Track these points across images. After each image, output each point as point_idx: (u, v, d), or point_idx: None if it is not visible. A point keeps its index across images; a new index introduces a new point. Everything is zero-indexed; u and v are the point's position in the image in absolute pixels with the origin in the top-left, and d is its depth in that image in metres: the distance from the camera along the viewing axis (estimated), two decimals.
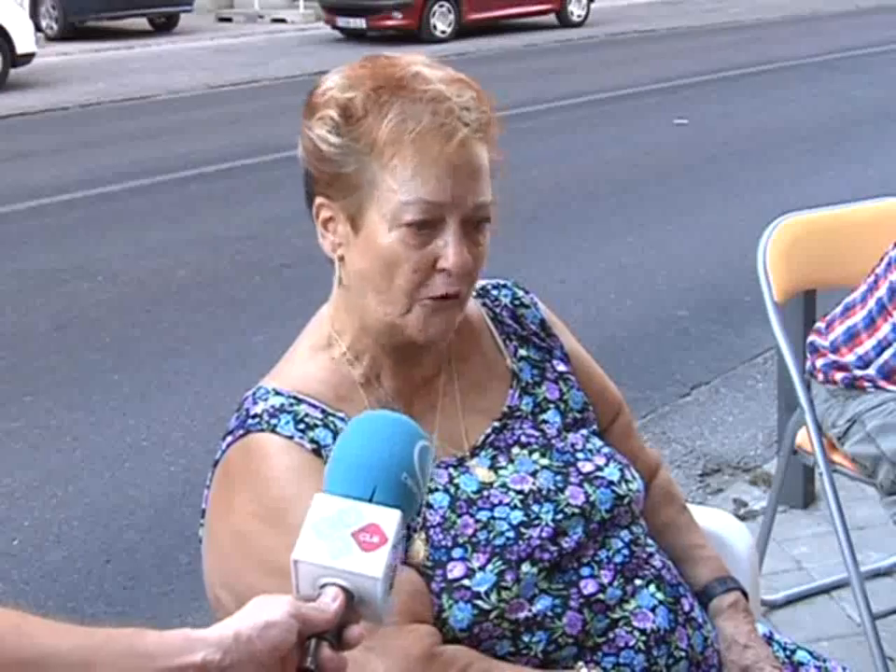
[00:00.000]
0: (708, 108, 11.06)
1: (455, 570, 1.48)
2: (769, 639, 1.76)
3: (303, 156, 1.57)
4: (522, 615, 1.48)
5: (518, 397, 1.66)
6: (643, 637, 1.53)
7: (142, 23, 19.50)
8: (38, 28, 16.31)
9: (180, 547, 3.66)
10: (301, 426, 1.52)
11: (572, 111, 11.19)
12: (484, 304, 1.72)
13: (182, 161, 9.38)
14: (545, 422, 1.65)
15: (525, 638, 1.48)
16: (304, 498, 1.19)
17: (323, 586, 1.12)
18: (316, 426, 1.52)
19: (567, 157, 9.24)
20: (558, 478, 1.58)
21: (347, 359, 1.59)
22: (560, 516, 1.54)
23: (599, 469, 1.61)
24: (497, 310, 1.73)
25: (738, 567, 1.85)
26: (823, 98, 11.38)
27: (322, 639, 1.10)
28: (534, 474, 1.58)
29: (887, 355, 2.67)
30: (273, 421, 1.52)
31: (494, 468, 1.59)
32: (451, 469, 1.57)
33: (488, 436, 1.62)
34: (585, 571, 1.54)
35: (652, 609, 1.56)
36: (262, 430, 1.52)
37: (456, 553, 1.49)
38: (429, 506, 1.52)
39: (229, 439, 1.55)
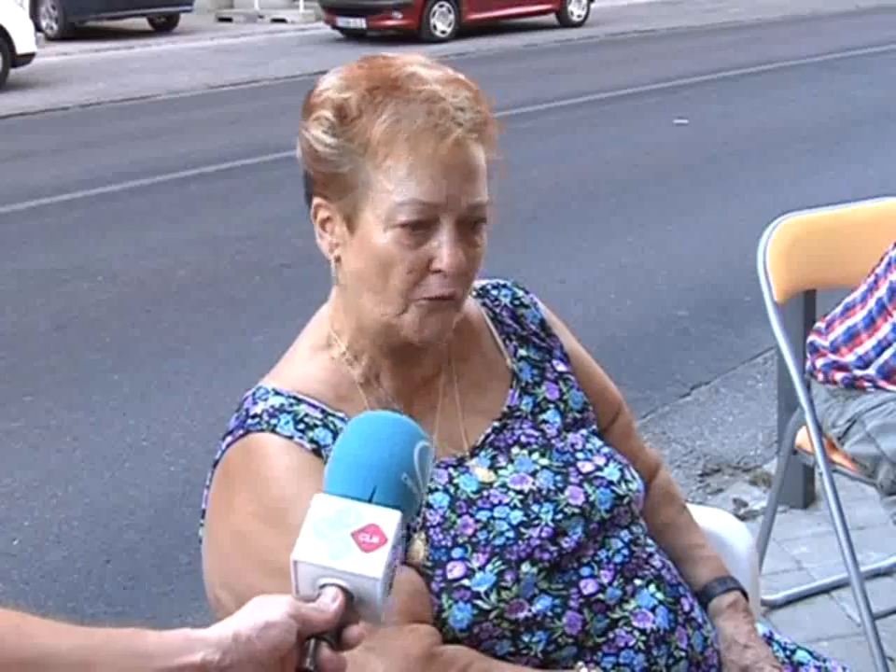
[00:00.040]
0: (708, 108, 11.05)
1: (455, 570, 1.48)
2: (769, 639, 1.76)
3: (301, 157, 1.57)
4: (522, 615, 1.48)
5: (518, 397, 1.66)
6: (643, 637, 1.53)
7: (142, 23, 19.50)
8: (38, 28, 16.31)
9: (180, 547, 3.66)
10: (301, 426, 1.52)
11: (572, 111, 11.18)
12: (484, 304, 1.72)
13: (182, 161, 9.38)
14: (545, 422, 1.65)
15: (525, 638, 1.48)
16: (304, 498, 1.19)
17: (322, 586, 1.12)
18: (316, 426, 1.52)
19: (566, 157, 9.24)
20: (558, 478, 1.58)
21: (347, 359, 1.59)
22: (560, 516, 1.54)
23: (599, 469, 1.61)
24: (497, 310, 1.73)
25: (738, 567, 1.85)
26: (823, 98, 11.37)
27: (321, 640, 1.11)
28: (534, 474, 1.58)
29: (887, 355, 2.67)
30: (273, 421, 1.52)
31: (494, 468, 1.59)
32: (451, 470, 1.57)
33: (488, 436, 1.62)
34: (585, 571, 1.54)
35: (652, 609, 1.56)
36: (262, 430, 1.52)
37: (456, 553, 1.49)
38: (429, 506, 1.51)
39: (228, 439, 1.55)
